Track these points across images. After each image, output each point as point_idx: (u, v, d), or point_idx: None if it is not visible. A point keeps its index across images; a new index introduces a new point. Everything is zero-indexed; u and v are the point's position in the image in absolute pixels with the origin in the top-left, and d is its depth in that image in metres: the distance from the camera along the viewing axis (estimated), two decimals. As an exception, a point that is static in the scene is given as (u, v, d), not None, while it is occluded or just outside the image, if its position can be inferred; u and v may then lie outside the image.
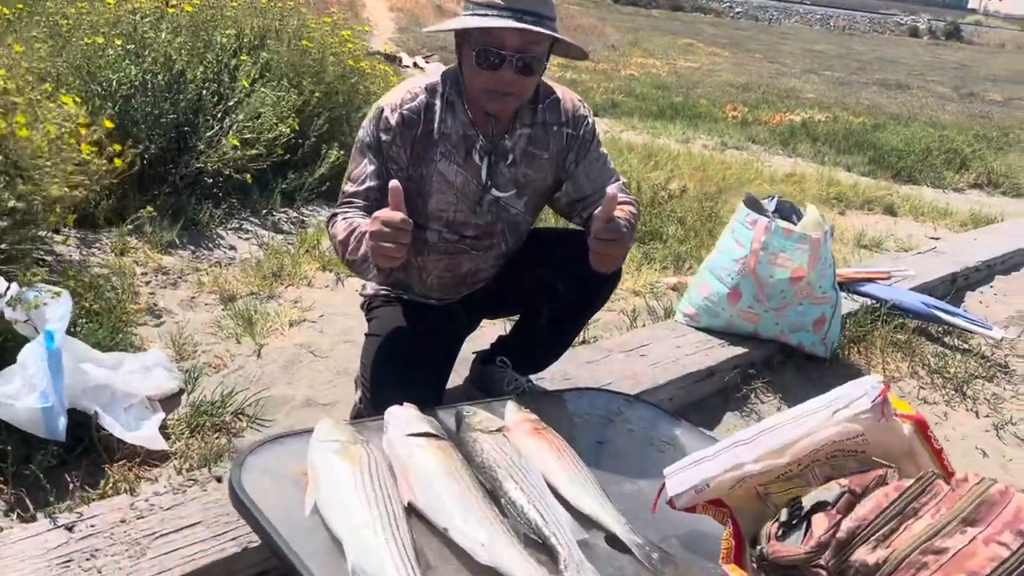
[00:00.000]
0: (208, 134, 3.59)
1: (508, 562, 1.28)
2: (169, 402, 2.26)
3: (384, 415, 1.59)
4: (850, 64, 21.35)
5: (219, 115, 3.69)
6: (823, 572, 1.19)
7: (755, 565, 1.35)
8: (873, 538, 1.15)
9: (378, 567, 1.22)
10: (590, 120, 2.02)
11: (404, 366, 1.93)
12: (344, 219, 1.82)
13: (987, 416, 2.72)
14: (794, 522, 1.30)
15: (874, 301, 3.27)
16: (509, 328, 2.39)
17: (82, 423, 1.94)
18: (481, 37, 1.73)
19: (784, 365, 2.88)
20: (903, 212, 5.41)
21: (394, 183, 1.61)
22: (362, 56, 4.53)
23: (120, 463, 1.94)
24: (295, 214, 4.03)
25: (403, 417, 1.54)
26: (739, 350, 2.76)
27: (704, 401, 2.63)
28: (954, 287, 3.92)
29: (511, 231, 2.01)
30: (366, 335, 2.08)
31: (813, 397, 2.66)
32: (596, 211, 1.77)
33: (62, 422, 1.84)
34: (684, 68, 15.73)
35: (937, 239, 4.91)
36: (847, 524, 1.16)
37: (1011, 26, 60.96)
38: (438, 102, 1.89)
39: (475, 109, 1.90)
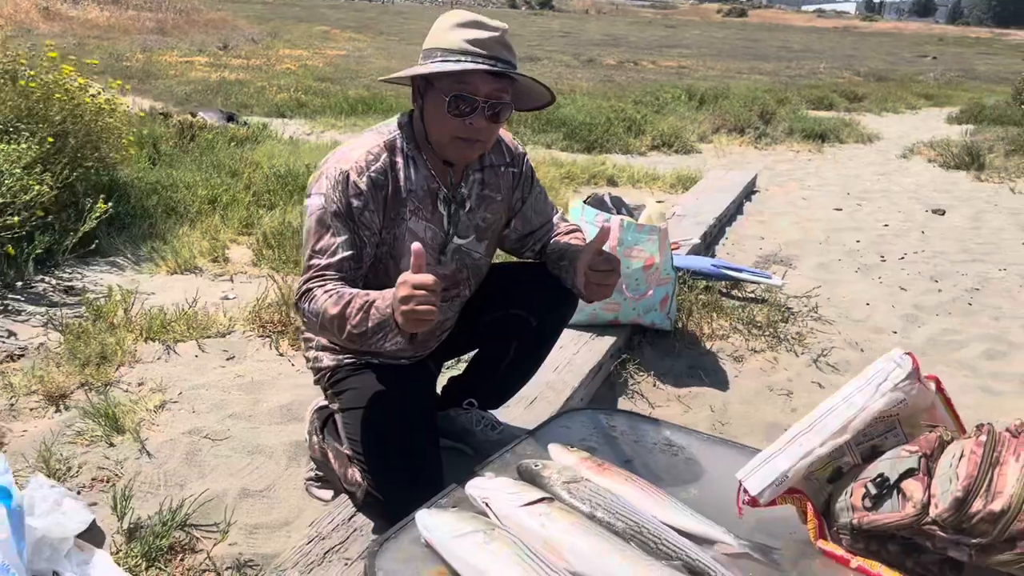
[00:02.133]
0: (-53, 206, 2.99)
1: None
2: (88, 536, 1.93)
3: (468, 490, 1.54)
4: (476, 40, 22.70)
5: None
6: (936, 527, 1.43)
7: (848, 536, 1.56)
8: (982, 490, 1.41)
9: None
10: (527, 156, 2.07)
11: (401, 436, 1.85)
12: (328, 294, 1.68)
13: (804, 353, 3.23)
14: (884, 491, 1.52)
15: (676, 271, 3.67)
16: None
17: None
18: (453, 84, 1.71)
19: (641, 344, 3.16)
20: (622, 182, 6.03)
21: (416, 245, 1.54)
22: (91, 89, 3.98)
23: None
24: (56, 281, 3.49)
25: (502, 488, 1.51)
26: (610, 339, 2.98)
27: (598, 393, 2.82)
28: (705, 244, 4.51)
29: (474, 276, 2.00)
30: (341, 410, 1.94)
31: (673, 366, 3.05)
32: (585, 246, 1.86)
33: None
34: (335, 57, 15.67)
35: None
36: (962, 484, 1.40)
37: (587, -7, 68.22)
38: (400, 158, 1.82)
39: (434, 159, 1.85)
